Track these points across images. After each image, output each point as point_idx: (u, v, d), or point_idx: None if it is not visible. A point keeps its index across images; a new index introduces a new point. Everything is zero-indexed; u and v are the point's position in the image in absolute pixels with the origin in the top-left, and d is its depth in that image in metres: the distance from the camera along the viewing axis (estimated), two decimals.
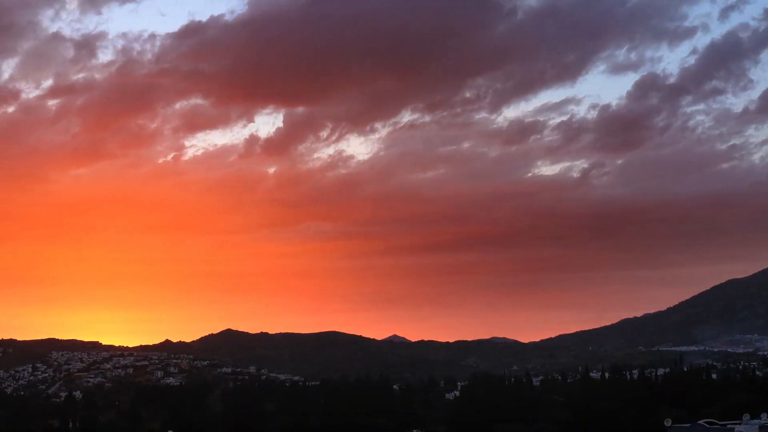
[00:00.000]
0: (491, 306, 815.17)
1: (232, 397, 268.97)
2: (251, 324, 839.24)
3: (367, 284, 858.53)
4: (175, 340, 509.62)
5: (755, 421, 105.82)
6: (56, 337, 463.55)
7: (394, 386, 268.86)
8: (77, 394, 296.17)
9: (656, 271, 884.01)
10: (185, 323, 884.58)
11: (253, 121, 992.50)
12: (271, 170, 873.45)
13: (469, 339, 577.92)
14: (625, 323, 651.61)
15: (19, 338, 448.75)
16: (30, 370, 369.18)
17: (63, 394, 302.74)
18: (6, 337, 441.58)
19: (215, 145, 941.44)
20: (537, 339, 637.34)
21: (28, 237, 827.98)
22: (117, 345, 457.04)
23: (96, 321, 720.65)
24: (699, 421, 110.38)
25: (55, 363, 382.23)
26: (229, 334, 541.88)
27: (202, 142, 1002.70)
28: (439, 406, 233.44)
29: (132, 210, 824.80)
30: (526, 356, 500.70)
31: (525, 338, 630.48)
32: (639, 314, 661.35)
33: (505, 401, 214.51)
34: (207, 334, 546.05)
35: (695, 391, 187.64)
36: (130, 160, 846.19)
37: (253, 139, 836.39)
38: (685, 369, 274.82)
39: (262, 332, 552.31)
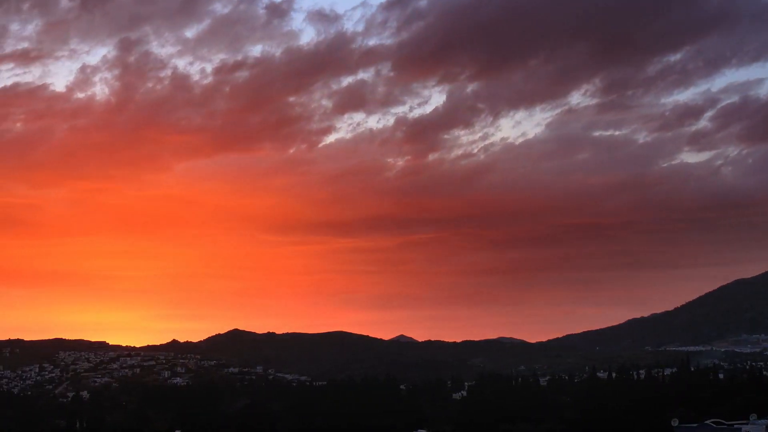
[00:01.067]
0: (498, 306, 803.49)
1: (240, 397, 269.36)
2: (258, 324, 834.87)
3: (374, 284, 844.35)
4: (182, 340, 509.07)
5: (762, 420, 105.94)
6: (63, 337, 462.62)
7: (401, 386, 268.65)
8: (84, 394, 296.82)
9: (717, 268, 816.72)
10: (192, 323, 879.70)
11: (415, 100, 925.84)
12: (401, 161, 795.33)
13: (476, 339, 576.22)
14: (632, 323, 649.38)
15: (26, 338, 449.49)
16: (37, 370, 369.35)
17: (70, 394, 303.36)
18: (13, 337, 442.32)
19: (365, 127, 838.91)
20: (544, 339, 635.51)
21: (94, 234, 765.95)
22: (124, 345, 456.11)
23: (103, 321, 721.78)
24: (706, 421, 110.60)
25: (62, 363, 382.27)
26: (236, 334, 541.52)
27: (351, 125, 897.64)
28: (446, 406, 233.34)
29: (218, 208, 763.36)
30: (533, 356, 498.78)
31: (532, 338, 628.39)
32: (646, 314, 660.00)
33: (512, 401, 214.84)
34: (214, 334, 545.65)
35: (702, 391, 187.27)
36: (258, 149, 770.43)
37: (401, 122, 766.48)
38: (693, 369, 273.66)
39: (269, 332, 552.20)
